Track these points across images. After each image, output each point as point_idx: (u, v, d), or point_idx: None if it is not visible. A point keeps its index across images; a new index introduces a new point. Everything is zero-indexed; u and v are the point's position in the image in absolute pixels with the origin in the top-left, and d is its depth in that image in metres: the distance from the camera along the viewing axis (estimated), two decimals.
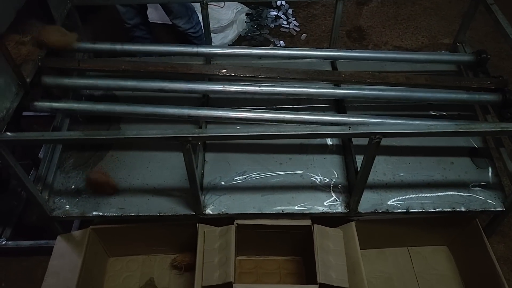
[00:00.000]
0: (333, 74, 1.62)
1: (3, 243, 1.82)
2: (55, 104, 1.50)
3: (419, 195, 1.53)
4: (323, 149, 1.66)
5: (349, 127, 1.23)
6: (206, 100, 1.71)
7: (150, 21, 2.62)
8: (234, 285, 1.37)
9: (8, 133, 1.22)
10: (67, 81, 1.56)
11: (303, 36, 2.94)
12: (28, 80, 1.39)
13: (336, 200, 1.52)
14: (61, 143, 1.64)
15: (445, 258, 1.74)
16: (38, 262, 1.85)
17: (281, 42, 2.91)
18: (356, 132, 1.23)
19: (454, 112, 1.74)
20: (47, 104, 1.49)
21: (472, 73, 1.80)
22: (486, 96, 1.56)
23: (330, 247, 1.46)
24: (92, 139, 1.26)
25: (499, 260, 1.52)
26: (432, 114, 1.73)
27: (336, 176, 1.58)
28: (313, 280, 1.39)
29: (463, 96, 1.56)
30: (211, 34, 1.93)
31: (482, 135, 1.63)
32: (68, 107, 1.52)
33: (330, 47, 1.90)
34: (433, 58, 1.79)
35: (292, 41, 2.94)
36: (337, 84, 1.68)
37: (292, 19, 3.06)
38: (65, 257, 1.50)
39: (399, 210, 1.50)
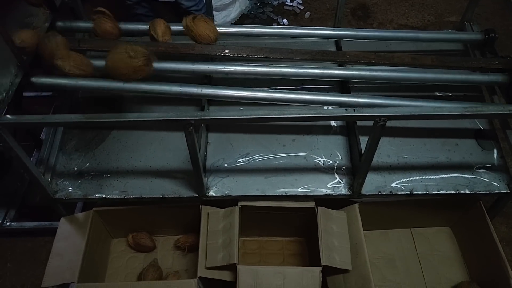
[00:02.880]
0: (337, 54, 1.58)
1: (8, 224, 1.84)
2: (55, 81, 1.47)
3: (423, 177, 1.52)
4: (327, 130, 1.64)
5: (354, 110, 1.21)
6: (209, 80, 1.68)
7: None
8: (237, 266, 1.38)
9: (8, 116, 1.21)
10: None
11: (307, 14, 2.89)
12: (27, 60, 1.37)
13: (340, 182, 1.51)
14: (62, 126, 1.63)
15: (448, 240, 1.74)
16: (43, 242, 1.87)
17: (285, 20, 2.85)
18: (361, 114, 1.21)
19: (460, 92, 1.71)
20: (47, 80, 1.46)
21: (479, 53, 1.76)
22: (493, 76, 1.53)
23: (333, 229, 1.47)
24: (93, 122, 1.24)
25: (501, 241, 1.52)
26: (438, 95, 1.71)
27: (340, 158, 1.57)
28: (317, 262, 1.39)
29: (469, 77, 1.53)
30: (213, 12, 1.89)
31: (489, 117, 1.61)
32: (68, 84, 1.48)
33: (335, 25, 1.86)
34: (440, 37, 1.74)
35: (295, 19, 2.88)
36: (341, 64, 1.65)
37: None
38: (68, 239, 1.51)
39: (403, 192, 1.49)
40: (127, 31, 1.62)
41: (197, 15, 1.56)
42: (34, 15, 1.48)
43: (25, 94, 1.50)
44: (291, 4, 2.95)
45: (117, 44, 1.42)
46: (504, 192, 1.49)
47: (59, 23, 1.60)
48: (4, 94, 1.25)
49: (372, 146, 1.29)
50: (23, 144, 1.33)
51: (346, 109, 1.28)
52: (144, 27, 1.59)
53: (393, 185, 1.51)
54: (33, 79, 1.41)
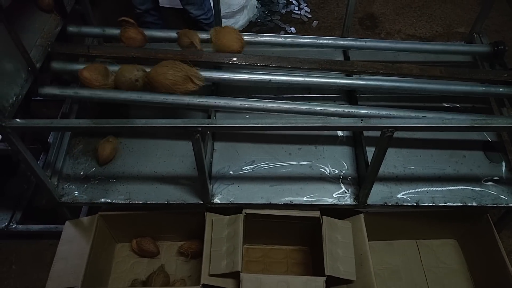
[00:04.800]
0: (345, 64, 1.59)
1: (14, 226, 1.84)
2: (62, 91, 1.49)
3: (430, 188, 1.51)
4: (333, 140, 1.64)
5: (361, 120, 1.21)
6: (216, 88, 1.69)
7: (161, 5, 2.59)
8: (241, 274, 1.37)
9: (18, 120, 1.21)
10: (76, 67, 1.54)
11: (315, 22, 2.89)
12: (37, 65, 1.38)
13: (345, 192, 1.51)
14: (69, 131, 1.64)
15: (454, 252, 1.73)
16: (47, 245, 1.88)
17: (292, 28, 2.86)
18: (368, 125, 1.20)
19: (468, 104, 1.70)
20: (54, 90, 1.47)
21: (488, 65, 1.75)
22: (502, 89, 1.53)
23: (338, 239, 1.46)
24: (101, 127, 1.25)
25: (509, 255, 1.50)
26: (446, 106, 1.70)
27: (346, 167, 1.56)
28: (321, 271, 1.39)
29: (478, 88, 1.53)
30: (222, 20, 1.90)
31: (498, 130, 1.60)
32: (74, 94, 1.51)
33: (343, 35, 1.87)
34: (449, 49, 1.74)
35: (303, 27, 2.89)
36: (349, 74, 1.65)
37: (303, 5, 3.00)
38: (73, 242, 1.51)
39: (409, 204, 1.48)
40: (153, 38, 1.65)
41: (224, 26, 1.58)
42: (45, 21, 1.50)
43: (34, 98, 1.51)
44: (299, 12, 2.96)
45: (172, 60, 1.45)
46: None
47: (70, 28, 1.62)
48: (14, 98, 1.26)
49: (379, 157, 1.28)
50: (31, 147, 1.34)
51: (353, 119, 1.28)
52: (172, 34, 1.63)
53: (399, 196, 1.50)
54: (43, 90, 1.43)
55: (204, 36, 1.62)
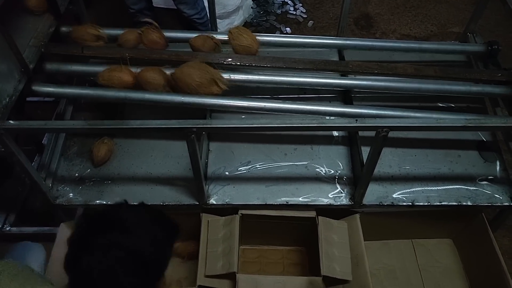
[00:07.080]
0: (340, 64, 1.59)
1: (7, 229, 1.83)
2: (53, 90, 1.48)
3: (425, 188, 1.52)
4: (329, 140, 1.64)
5: (356, 120, 1.21)
6: None
7: (155, 6, 2.58)
8: (237, 275, 1.37)
9: (11, 121, 1.21)
10: (70, 67, 1.53)
11: (310, 23, 2.89)
12: (31, 66, 1.37)
13: (341, 192, 1.51)
14: (64, 132, 1.63)
15: (449, 251, 1.73)
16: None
17: (288, 28, 2.86)
18: (363, 125, 1.21)
19: (462, 104, 1.71)
20: (46, 89, 1.46)
21: (482, 64, 1.76)
22: (497, 89, 1.53)
23: (334, 240, 1.46)
24: (96, 129, 1.24)
25: (504, 254, 1.51)
26: (440, 106, 1.70)
27: (341, 167, 1.56)
28: (317, 272, 1.39)
29: (472, 88, 1.53)
30: (217, 20, 1.90)
31: (492, 130, 1.60)
32: (66, 93, 1.50)
33: (338, 35, 1.87)
34: (443, 48, 1.75)
35: (298, 28, 2.89)
36: (344, 74, 1.65)
37: (299, 5, 3.00)
38: None
39: (404, 203, 1.48)
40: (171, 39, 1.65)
41: (240, 27, 1.59)
42: (39, 21, 1.49)
43: (28, 99, 1.50)
44: (295, 12, 2.96)
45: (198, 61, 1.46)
46: (507, 205, 1.48)
47: (63, 29, 1.61)
48: (7, 99, 1.26)
49: (374, 157, 1.28)
50: (25, 148, 1.33)
51: (348, 120, 1.28)
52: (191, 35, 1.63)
53: (394, 195, 1.50)
54: (35, 88, 1.42)
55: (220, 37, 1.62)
